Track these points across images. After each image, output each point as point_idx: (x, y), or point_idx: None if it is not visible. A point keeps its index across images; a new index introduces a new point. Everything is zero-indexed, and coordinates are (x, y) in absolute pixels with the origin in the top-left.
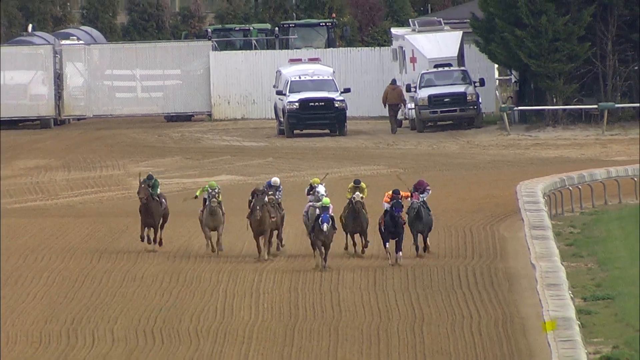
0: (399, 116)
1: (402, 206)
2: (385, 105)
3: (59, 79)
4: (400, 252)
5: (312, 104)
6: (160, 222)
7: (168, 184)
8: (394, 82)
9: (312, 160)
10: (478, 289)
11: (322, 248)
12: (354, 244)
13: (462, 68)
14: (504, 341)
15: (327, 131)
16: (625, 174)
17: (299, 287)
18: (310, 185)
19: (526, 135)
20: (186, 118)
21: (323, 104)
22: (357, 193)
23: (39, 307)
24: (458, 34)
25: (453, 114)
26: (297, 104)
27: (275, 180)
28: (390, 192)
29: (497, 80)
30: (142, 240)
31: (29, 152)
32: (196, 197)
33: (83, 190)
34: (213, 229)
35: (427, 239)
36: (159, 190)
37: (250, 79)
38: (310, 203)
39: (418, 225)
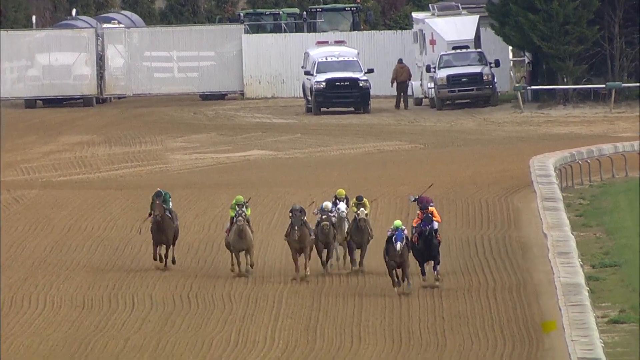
0: (420, 94)
1: (431, 221)
2: (392, 84)
3: (101, 60)
4: (437, 273)
5: (338, 83)
6: (172, 239)
7: (203, 159)
8: (400, 61)
9: (338, 137)
10: (493, 257)
11: (399, 270)
12: (352, 260)
13: (479, 50)
14: (517, 305)
15: (352, 109)
16: (632, 149)
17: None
18: (335, 197)
19: (538, 113)
20: (220, 97)
21: (348, 83)
22: (362, 209)
23: (82, 273)
24: (475, 18)
25: (470, 93)
26: (324, 83)
27: (327, 204)
28: (420, 212)
29: (511, 61)
30: (155, 259)
31: (72, 128)
32: (232, 218)
33: (123, 165)
34: (241, 251)
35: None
36: (170, 205)
37: (280, 60)
38: (339, 211)
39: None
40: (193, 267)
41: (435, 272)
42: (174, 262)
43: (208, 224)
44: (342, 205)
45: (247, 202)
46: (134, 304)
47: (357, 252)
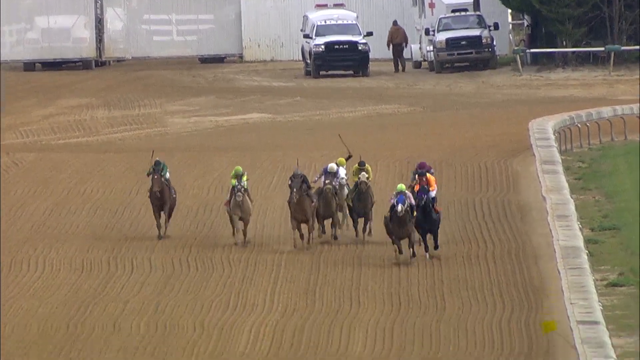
0: (419, 58)
1: (428, 191)
2: (389, 47)
3: (99, 23)
4: (436, 249)
5: (337, 46)
6: (170, 209)
7: (202, 122)
8: (395, 23)
9: (337, 100)
10: (492, 220)
11: (401, 241)
12: (357, 231)
13: (478, 13)
14: (516, 269)
15: (351, 72)
16: (631, 112)
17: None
18: (336, 164)
19: (537, 76)
20: (219, 60)
21: (347, 46)
22: (363, 174)
23: (81, 236)
24: None
25: (469, 56)
26: (323, 46)
27: (332, 166)
28: (417, 178)
29: (510, 25)
30: (159, 228)
31: (71, 91)
32: (233, 188)
33: (122, 128)
34: (240, 219)
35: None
36: (168, 175)
37: (279, 23)
38: (339, 177)
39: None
40: (192, 231)
41: (435, 245)
42: (167, 223)
43: (207, 187)
44: (341, 171)
45: (244, 172)
46: (133, 267)
47: (360, 222)
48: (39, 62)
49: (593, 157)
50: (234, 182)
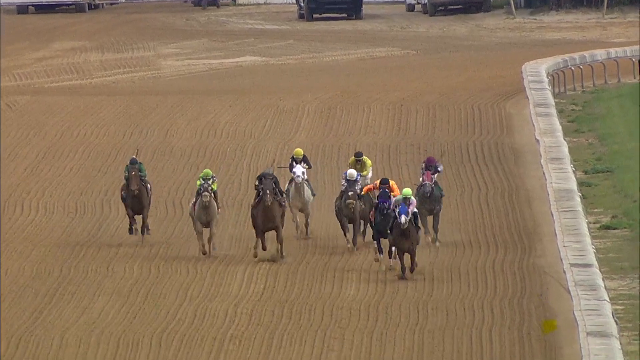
0: (413, 1)
1: (389, 197)
2: None
3: None
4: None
5: None
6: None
7: (195, 65)
8: None
9: (331, 43)
10: (485, 163)
11: (406, 254)
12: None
13: None
14: (509, 211)
15: (344, 15)
16: (624, 54)
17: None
18: (292, 157)
19: (531, 19)
20: (212, 2)
21: None
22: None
23: (75, 179)
24: None
25: None
26: None
27: (351, 173)
28: (378, 182)
29: None
30: (132, 232)
31: (65, 34)
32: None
33: (116, 71)
34: (206, 225)
35: (438, 224)
36: (145, 173)
37: None
38: (295, 175)
39: (429, 205)
40: (185, 174)
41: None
42: (148, 232)
43: (200, 130)
44: (298, 169)
45: (214, 176)
46: None
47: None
48: (33, 5)
49: (586, 100)
50: (199, 183)
